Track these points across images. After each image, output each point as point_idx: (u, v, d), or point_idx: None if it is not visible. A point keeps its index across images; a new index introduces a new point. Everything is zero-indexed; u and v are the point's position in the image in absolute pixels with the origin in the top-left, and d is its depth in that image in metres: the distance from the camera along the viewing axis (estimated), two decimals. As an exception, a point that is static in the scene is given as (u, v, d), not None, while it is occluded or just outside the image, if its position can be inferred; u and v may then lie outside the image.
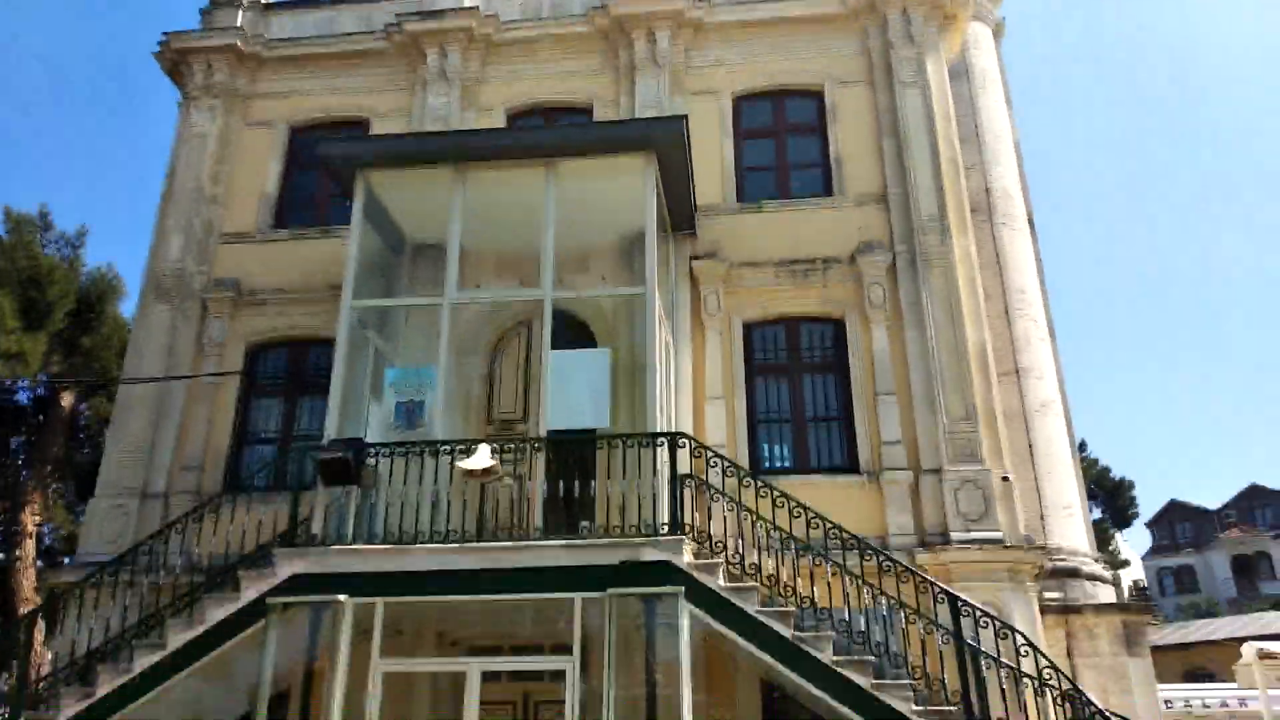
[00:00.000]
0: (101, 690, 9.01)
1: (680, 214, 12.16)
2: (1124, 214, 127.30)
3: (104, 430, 15.62)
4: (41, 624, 11.60)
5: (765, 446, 11.85)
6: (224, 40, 14.72)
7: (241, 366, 12.83)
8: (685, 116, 11.15)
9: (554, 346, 10.39)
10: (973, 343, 11.65)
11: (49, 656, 10.86)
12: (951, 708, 8.32)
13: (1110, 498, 41.16)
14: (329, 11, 15.40)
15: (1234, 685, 16.76)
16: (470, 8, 14.42)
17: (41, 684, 10.14)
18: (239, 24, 15.03)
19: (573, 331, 11.88)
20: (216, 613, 9.18)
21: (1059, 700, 8.35)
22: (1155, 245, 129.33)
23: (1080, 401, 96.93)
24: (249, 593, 9.18)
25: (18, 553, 17.10)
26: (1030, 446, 12.15)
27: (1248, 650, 12.15)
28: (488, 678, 9.06)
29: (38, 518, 18.09)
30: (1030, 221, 14.77)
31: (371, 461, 9.77)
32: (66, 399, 19.15)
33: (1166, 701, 13.97)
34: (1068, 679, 8.59)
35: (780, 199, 13.12)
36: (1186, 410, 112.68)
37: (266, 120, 14.72)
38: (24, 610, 15.72)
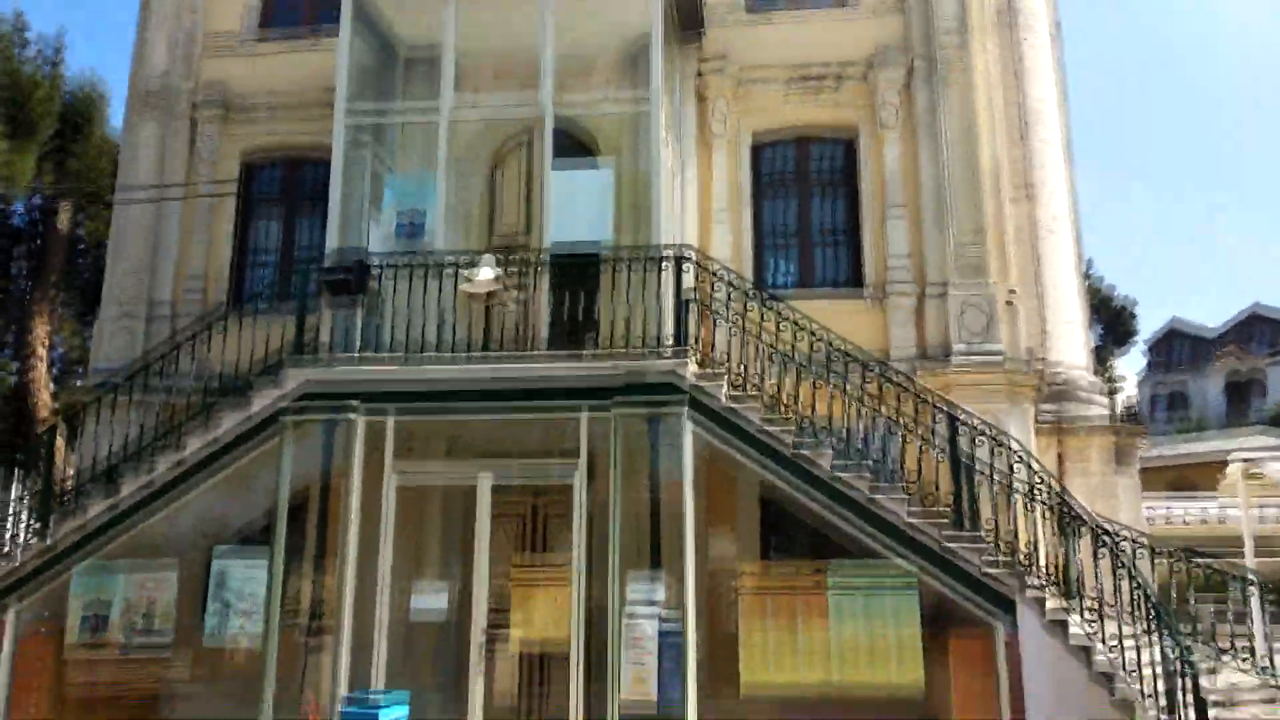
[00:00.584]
0: (126, 494, 9.37)
1: (687, 17, 11.56)
2: (1149, 22, 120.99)
3: (103, 248, 15.50)
4: (61, 439, 11.90)
5: (771, 265, 11.77)
6: None
7: (237, 180, 12.54)
8: (694, -93, 10.34)
9: (556, 161, 10.12)
10: (986, 158, 11.33)
11: (71, 472, 11.23)
12: (944, 514, 8.65)
13: (1112, 320, 41.33)
14: None
15: (1216, 499, 17.50)
16: None
17: (67, 488, 10.55)
18: None
19: (575, 147, 11.50)
20: (231, 421, 9.40)
21: (1047, 510, 8.67)
22: (1178, 58, 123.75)
23: (1090, 220, 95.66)
24: (262, 404, 9.38)
25: (31, 370, 17.37)
26: (1037, 265, 12.02)
27: (1234, 465, 12.54)
28: (498, 489, 9.38)
29: (47, 332, 18.24)
30: (1055, 29, 13.98)
31: (375, 274, 9.74)
32: (63, 217, 18.89)
33: (1149, 512, 14.57)
34: (1057, 487, 8.90)
35: (792, 7, 12.38)
36: (1196, 231, 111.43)
37: (244, -88, 13.67)
38: (43, 426, 16.14)
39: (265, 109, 12.64)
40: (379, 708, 8.03)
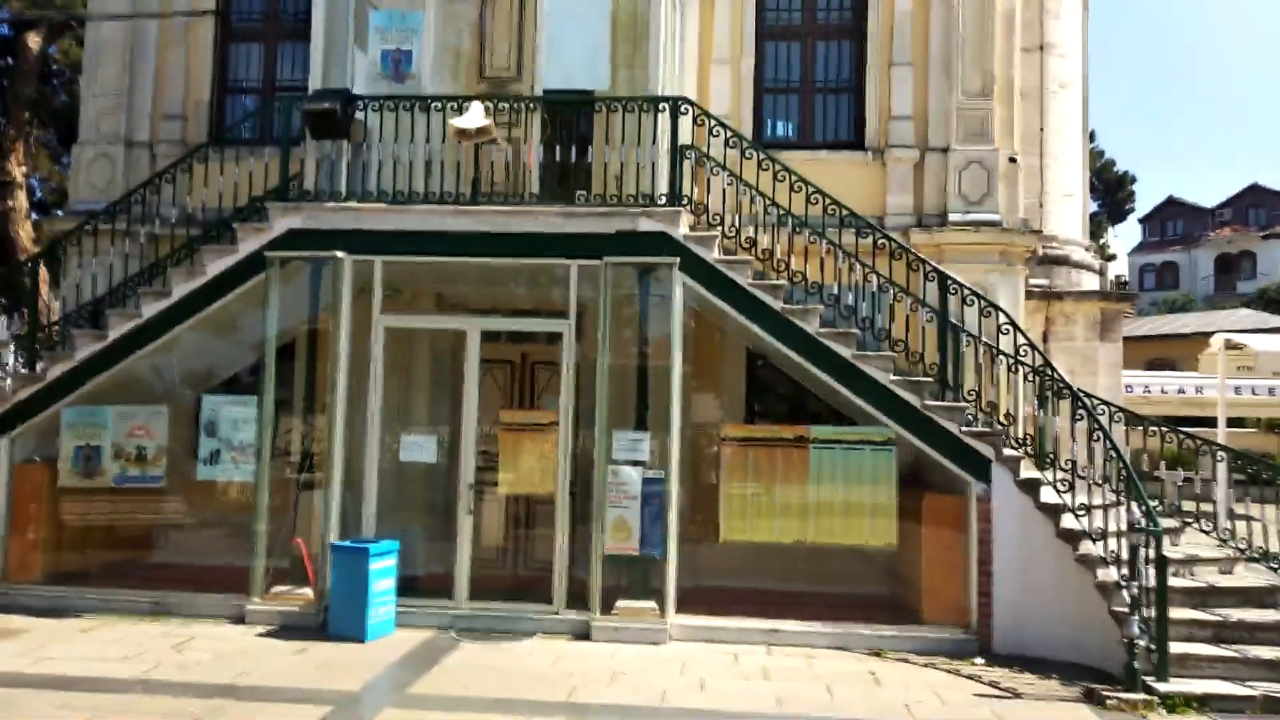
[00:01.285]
0: (113, 334, 9.34)
1: None
2: None
3: (78, 75, 14.79)
4: (45, 273, 11.74)
5: (770, 118, 11.39)
6: None
7: (215, 3, 11.87)
8: None
9: (550, -1, 9.60)
10: (1001, 8, 10.81)
11: (55, 305, 11.14)
12: (927, 379, 8.76)
13: (1110, 191, 40.85)
14: None
15: (1194, 374, 17.74)
16: None
17: (54, 326, 10.50)
18: None
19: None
20: (216, 264, 9.28)
21: (1029, 376, 8.78)
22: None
23: (1099, 83, 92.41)
24: (247, 245, 9.23)
25: (10, 203, 16.89)
26: (1042, 129, 11.71)
27: (1216, 339, 12.64)
28: (487, 337, 9.38)
29: (23, 167, 17.67)
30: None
31: (359, 115, 9.41)
32: (34, 40, 17.87)
33: (1128, 386, 14.80)
34: (1041, 355, 8.98)
35: None
36: (1200, 103, 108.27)
37: None
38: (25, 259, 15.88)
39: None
40: (369, 543, 8.35)
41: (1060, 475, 8.33)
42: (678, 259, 8.82)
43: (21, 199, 17.56)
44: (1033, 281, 11.18)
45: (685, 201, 9.16)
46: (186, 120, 11.77)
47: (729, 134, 9.49)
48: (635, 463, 8.63)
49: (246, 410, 9.11)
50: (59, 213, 14.87)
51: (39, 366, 9.61)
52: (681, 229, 8.93)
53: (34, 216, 18.81)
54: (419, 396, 10.39)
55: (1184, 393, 18.06)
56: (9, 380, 9.67)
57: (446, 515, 9.07)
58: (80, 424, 9.41)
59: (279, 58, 11.87)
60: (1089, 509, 8.09)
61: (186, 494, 9.71)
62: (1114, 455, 7.94)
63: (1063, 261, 11.56)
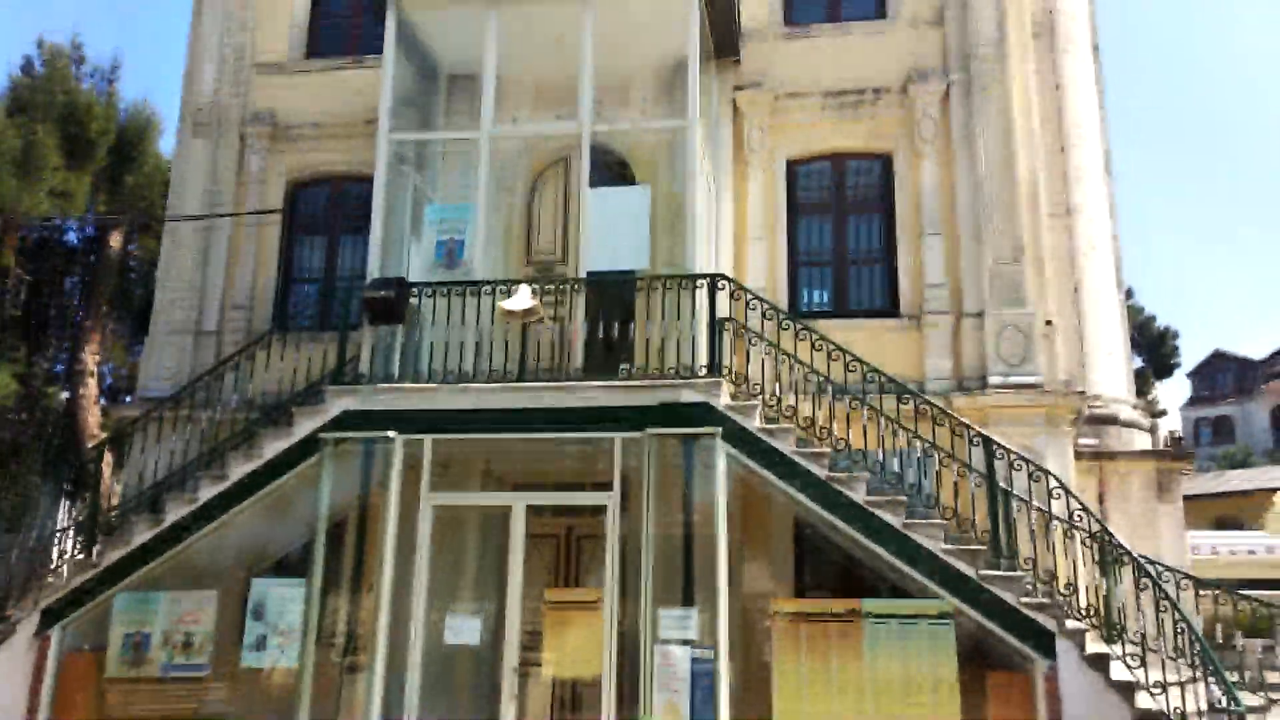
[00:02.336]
0: (170, 517, 9.59)
1: (724, 37, 11.56)
2: (1194, 42, 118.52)
3: (154, 269, 15.89)
4: (109, 458, 12.21)
5: (806, 288, 11.72)
6: None
7: (283, 203, 12.81)
8: (730, -70, 10.38)
9: (593, 183, 10.22)
10: (1024, 177, 11.19)
11: (118, 489, 11.52)
12: (980, 547, 8.53)
13: (1153, 347, 40.48)
14: None
15: (1263, 532, 16.96)
16: None
17: (113, 512, 10.81)
18: None
19: (612, 168, 11.61)
20: (273, 446, 9.59)
21: (1087, 542, 8.51)
22: (1220, 80, 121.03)
23: (1131, 243, 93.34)
24: (303, 428, 9.55)
25: (81, 391, 17.84)
26: (1076, 289, 11.84)
27: (1282, 494, 12.18)
28: (532, 512, 9.43)
29: (97, 356, 18.75)
30: (1094, 47, 13.80)
31: (414, 300, 9.88)
32: (115, 238, 19.39)
33: (1194, 547, 14.19)
34: (1097, 521, 8.72)
35: (830, 22, 12.37)
36: (1241, 256, 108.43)
37: (290, -61, 13.99)
38: (91, 446, 16.56)
39: (311, 132, 12.90)
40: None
41: (1130, 649, 7.91)
42: (720, 429, 8.90)
43: (92, 386, 18.50)
44: (1082, 442, 11.01)
45: (726, 372, 9.34)
46: (252, 309, 12.46)
47: (766, 306, 9.76)
48: (683, 641, 8.41)
49: (294, 591, 9.16)
50: (128, 399, 15.59)
51: (95, 552, 9.83)
52: (723, 399, 9.06)
53: (103, 402, 19.74)
54: (465, 574, 10.37)
55: (1255, 553, 17.14)
56: (65, 568, 9.87)
57: (491, 698, 8.85)
58: (132, 610, 9.51)
59: (340, 249, 12.66)
60: (1165, 686, 7.62)
61: (231, 682, 9.62)
62: (1184, 627, 7.55)
63: (1111, 421, 11.41)
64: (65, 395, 18.17)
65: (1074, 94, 12.64)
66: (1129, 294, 29.29)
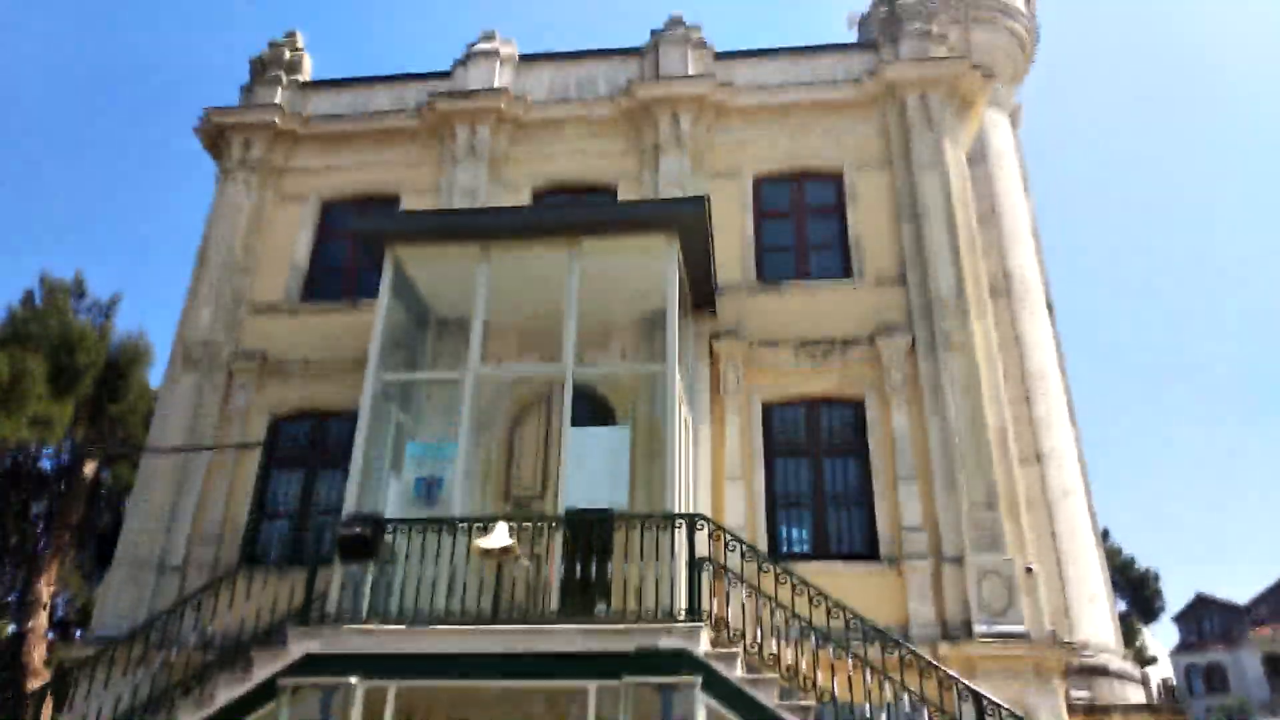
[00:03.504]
0: (109, 770, 8.88)
1: (701, 292, 12.26)
2: (1145, 300, 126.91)
3: (125, 498, 15.67)
4: (50, 701, 11.45)
5: (784, 529, 11.73)
6: (263, 117, 15.14)
7: (264, 437, 12.90)
8: (707, 197, 11.32)
9: (574, 422, 10.40)
10: (993, 426, 11.56)
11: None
12: (977, 812, 8.04)
13: (1135, 590, 40.12)
14: (363, 91, 15.87)
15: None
16: (500, 89, 14.80)
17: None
18: (278, 101, 15.46)
19: (592, 407, 11.92)
20: (227, 693, 9.06)
21: (1089, 806, 8.05)
22: (1177, 331, 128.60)
23: (1103, 488, 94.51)
24: (261, 673, 9.08)
25: (30, 624, 17.03)
26: (1053, 534, 11.94)
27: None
28: (499, 766, 8.83)
29: (53, 588, 18.06)
30: (1049, 305, 14.76)
31: (389, 537, 9.74)
32: (89, 466, 19.27)
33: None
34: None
35: (799, 279, 13.22)
36: (1215, 499, 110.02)
37: (300, 194, 15.06)
38: (33, 684, 15.57)
39: (299, 369, 13.24)
40: None
41: None
42: (699, 678, 8.55)
43: (42, 619, 17.68)
44: (1074, 694, 10.66)
45: (705, 616, 9.12)
46: (221, 543, 12.21)
47: (745, 547, 9.72)
48: None
49: None
50: (79, 633, 14.85)
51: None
52: (702, 646, 8.78)
53: (50, 636, 18.75)
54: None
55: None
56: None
57: None
58: None
59: (317, 483, 12.62)
60: None
61: None
62: None
63: (1101, 671, 11.12)
64: (12, 628, 17.23)
65: (1034, 347, 13.37)
66: (1106, 536, 29.31)
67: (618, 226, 11.25)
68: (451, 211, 12.76)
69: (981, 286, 12.71)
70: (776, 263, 13.48)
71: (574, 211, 12.66)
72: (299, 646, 9.12)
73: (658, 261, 11.03)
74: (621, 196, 14.06)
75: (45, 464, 21.11)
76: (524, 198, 14.35)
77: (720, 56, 15.10)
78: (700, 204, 11.07)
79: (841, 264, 13.30)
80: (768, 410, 12.36)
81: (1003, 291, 13.53)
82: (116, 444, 19.74)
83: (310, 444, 13.05)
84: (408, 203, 14.53)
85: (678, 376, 10.59)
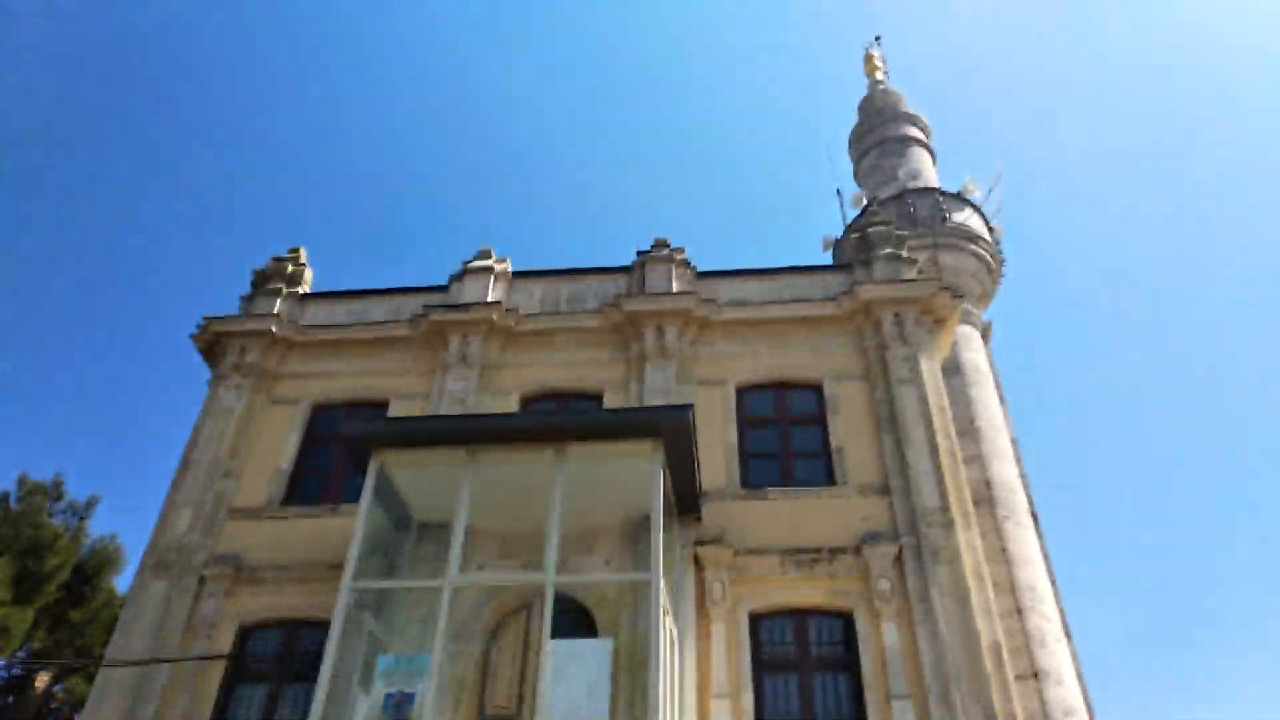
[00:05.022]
0: None
1: (686, 498, 12.26)
2: (1130, 513, 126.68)
3: (76, 712, 14.74)
4: None
5: (775, 752, 11.08)
6: (260, 325, 15.58)
7: (231, 648, 12.36)
8: (691, 406, 11.57)
9: (554, 633, 10.09)
10: (986, 641, 11.25)
11: None
12: None
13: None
14: (361, 302, 16.49)
15: None
16: (493, 302, 15.44)
17: None
18: (276, 311, 16.00)
19: (574, 617, 11.59)
20: None
21: None
22: (1168, 539, 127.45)
23: (1107, 710, 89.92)
24: None
25: None
26: (1059, 759, 11.32)
27: None
28: None
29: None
30: (1034, 515, 14.77)
31: (351, 761, 9.17)
32: (42, 679, 18.28)
33: None
34: None
35: (784, 485, 13.27)
36: (1230, 711, 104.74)
37: (291, 398, 15.27)
38: None
39: (273, 575, 12.89)
40: None
41: None
42: None
43: None
44: None
45: None
46: (174, 766, 11.41)
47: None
48: None
49: None
50: None
51: None
52: None
53: None
54: None
55: None
56: None
57: None
58: None
59: (282, 699, 11.98)
60: None
61: None
62: None
63: None
64: None
65: (1022, 560, 13.24)
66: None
67: (604, 433, 11.41)
68: (438, 417, 12.94)
69: (965, 496, 12.76)
70: (761, 469, 13.58)
71: (560, 418, 12.82)
72: None
73: (643, 468, 11.11)
74: (608, 403, 14.36)
75: (-2, 673, 20.03)
76: (512, 403, 14.62)
77: (703, 275, 15.93)
78: (685, 412, 11.31)
79: (825, 472, 13.41)
80: (755, 621, 12.03)
81: (986, 502, 13.57)
82: (73, 657, 18.81)
83: (279, 656, 12.49)
84: (397, 408, 14.74)
85: (663, 587, 10.38)
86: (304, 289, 17.00)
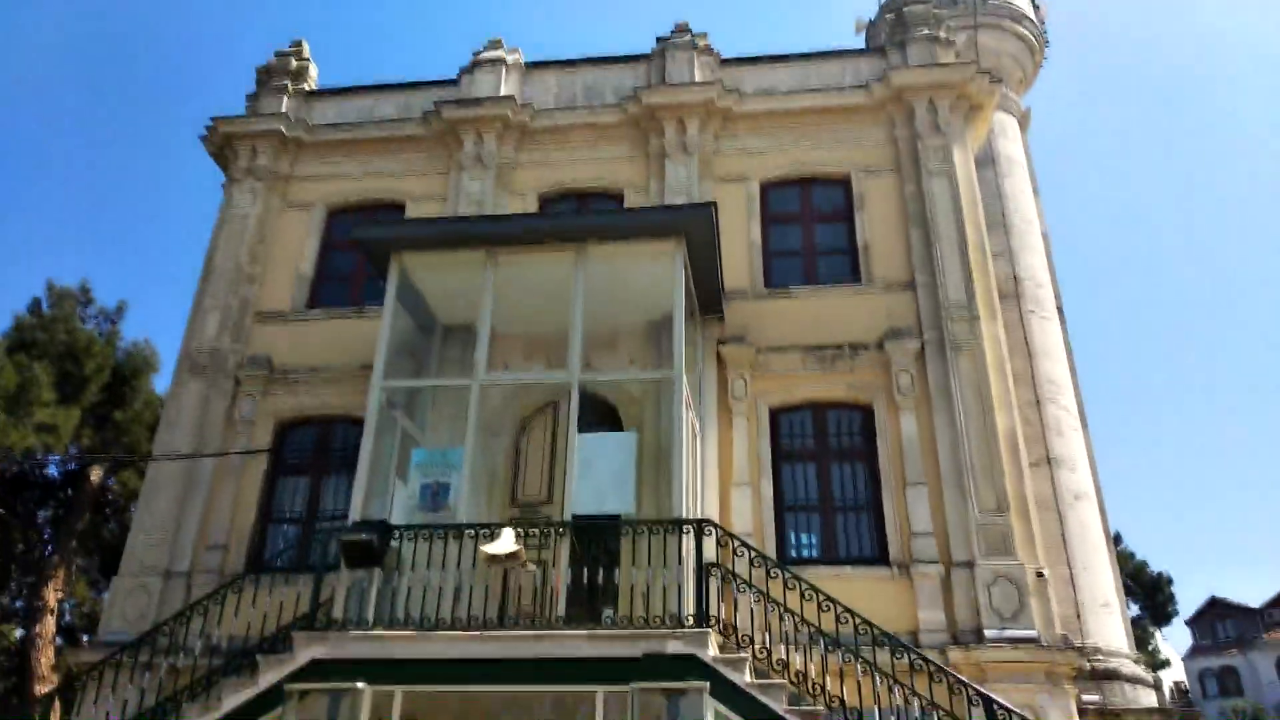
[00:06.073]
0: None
1: (708, 298, 12.22)
2: (1157, 304, 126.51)
3: (131, 505, 15.67)
4: (58, 705, 11.41)
5: (793, 535, 11.65)
6: (269, 125, 15.18)
7: (270, 444, 12.88)
8: (714, 204, 11.29)
9: (581, 429, 10.36)
10: (1003, 430, 11.48)
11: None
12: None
13: (1148, 594, 39.83)
14: (370, 98, 15.91)
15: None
16: (506, 96, 14.82)
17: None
18: (283, 110, 15.51)
19: (599, 413, 11.88)
20: (234, 698, 9.03)
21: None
22: (1188, 336, 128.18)
23: (1115, 492, 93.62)
24: (267, 678, 9.04)
25: (37, 628, 17.04)
26: (1064, 539, 11.84)
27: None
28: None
29: (60, 594, 18.08)
30: (1059, 309, 14.68)
31: (395, 544, 9.71)
32: (95, 473, 19.30)
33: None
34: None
35: (807, 284, 13.16)
36: (1229, 501, 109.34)
37: (306, 202, 15.09)
38: (40, 689, 15.56)
39: (305, 376, 13.22)
40: None
41: None
42: (708, 684, 8.49)
43: (49, 625, 17.66)
44: (1085, 699, 10.56)
45: (713, 622, 9.06)
46: (228, 550, 12.19)
47: (753, 553, 9.66)
48: None
49: None
50: (86, 638, 14.83)
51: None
52: (710, 651, 8.72)
53: (58, 641, 18.74)
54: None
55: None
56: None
57: None
58: None
59: (323, 490, 12.61)
60: None
61: None
62: None
63: (1113, 676, 11.01)
64: (20, 634, 17.22)
65: (1045, 352, 13.28)
66: (1118, 540, 29.11)
67: (625, 233, 11.22)
68: (457, 219, 12.72)
69: (991, 291, 12.64)
70: (784, 268, 13.44)
71: (580, 218, 12.63)
72: (305, 652, 9.09)
73: (665, 268, 10.99)
74: (629, 203, 14.05)
75: (52, 471, 21.16)
76: (531, 204, 14.35)
77: (726, 63, 15.11)
78: (707, 210, 11.04)
79: (850, 269, 13.26)
80: (775, 416, 12.29)
81: (1013, 296, 13.46)
82: (122, 451, 19.75)
83: (316, 450, 13.04)
84: (414, 210, 14.54)
85: (685, 382, 10.55)
86: (309, 86, 16.37)
